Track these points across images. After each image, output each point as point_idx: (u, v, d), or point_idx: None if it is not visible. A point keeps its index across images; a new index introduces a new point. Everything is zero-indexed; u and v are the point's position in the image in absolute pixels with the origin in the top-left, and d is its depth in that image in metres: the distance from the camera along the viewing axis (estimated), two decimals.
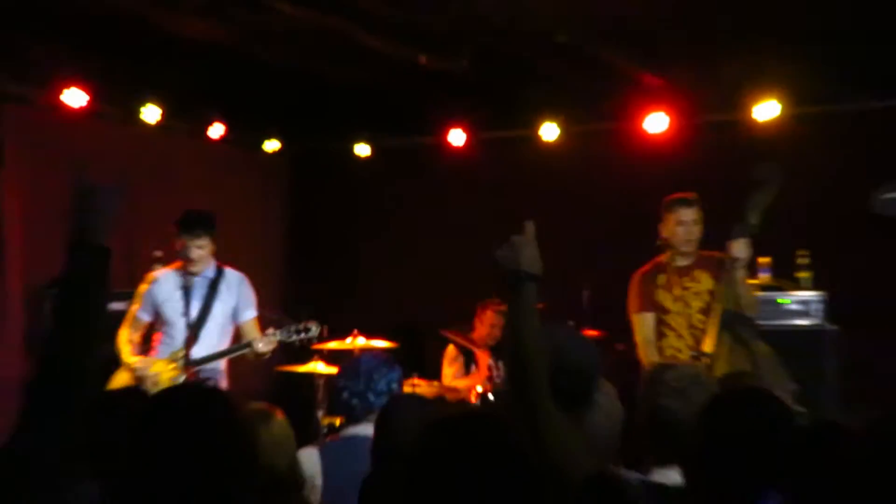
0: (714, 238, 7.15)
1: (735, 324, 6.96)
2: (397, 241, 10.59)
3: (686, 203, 7.31)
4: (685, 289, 7.25)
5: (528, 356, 3.19)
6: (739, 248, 6.95)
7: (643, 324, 7.34)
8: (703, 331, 7.03)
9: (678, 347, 7.20)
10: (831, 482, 3.10)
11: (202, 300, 7.40)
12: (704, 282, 7.15)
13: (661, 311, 7.32)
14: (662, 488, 3.63)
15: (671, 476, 3.67)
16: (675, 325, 7.27)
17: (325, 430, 8.19)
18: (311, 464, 4.75)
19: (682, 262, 7.34)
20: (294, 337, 7.56)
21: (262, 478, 3.71)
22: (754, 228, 6.94)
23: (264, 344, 7.39)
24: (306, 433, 7.59)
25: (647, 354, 7.22)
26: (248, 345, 7.41)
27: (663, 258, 7.40)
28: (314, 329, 7.61)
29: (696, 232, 7.25)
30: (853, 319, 8.39)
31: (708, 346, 6.85)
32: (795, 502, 3.17)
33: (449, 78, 8.91)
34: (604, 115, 9.78)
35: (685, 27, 8.08)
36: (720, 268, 7.10)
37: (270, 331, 7.46)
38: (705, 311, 7.09)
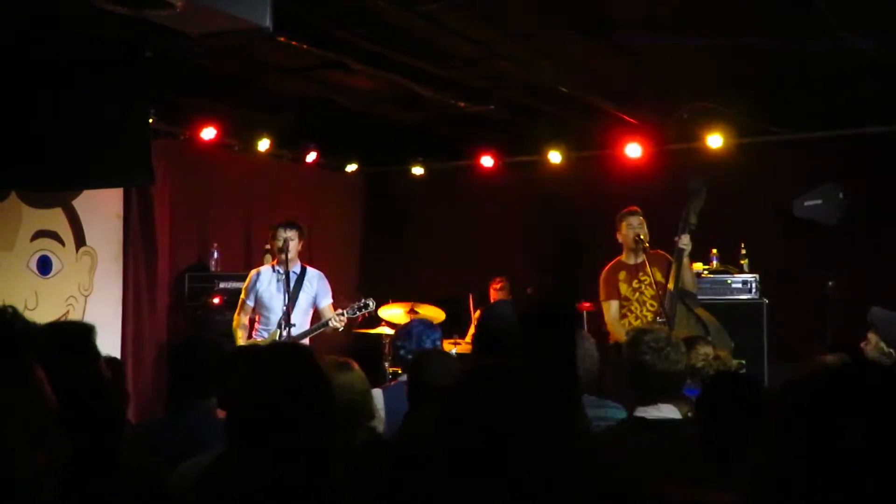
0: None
1: (684, 297, 6.99)
2: (443, 237, 10.57)
3: (633, 213, 7.28)
4: (640, 281, 7.19)
5: None
6: (684, 241, 6.99)
7: (610, 309, 7.27)
8: (655, 312, 7.02)
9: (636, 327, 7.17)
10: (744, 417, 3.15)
11: (291, 291, 7.28)
12: (651, 275, 7.07)
13: (622, 299, 7.28)
14: (656, 421, 3.65)
15: (652, 412, 3.70)
16: (634, 310, 7.21)
17: (390, 376, 8.19)
18: (377, 400, 4.80)
19: (634, 259, 7.26)
20: (357, 313, 7.45)
21: (340, 410, 3.77)
22: (693, 226, 6.99)
23: (337, 321, 7.32)
24: (376, 378, 7.66)
25: (615, 331, 7.14)
26: (326, 323, 7.36)
27: (621, 257, 7.36)
28: (371, 304, 7.48)
29: (642, 234, 7.21)
30: (778, 294, 8.40)
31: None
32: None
33: (481, 118, 8.94)
34: (594, 145, 9.72)
35: (653, 83, 8.11)
36: (665, 262, 7.12)
37: (339, 311, 7.37)
38: (655, 298, 7.06)
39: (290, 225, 7.41)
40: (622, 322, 7.20)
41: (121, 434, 2.65)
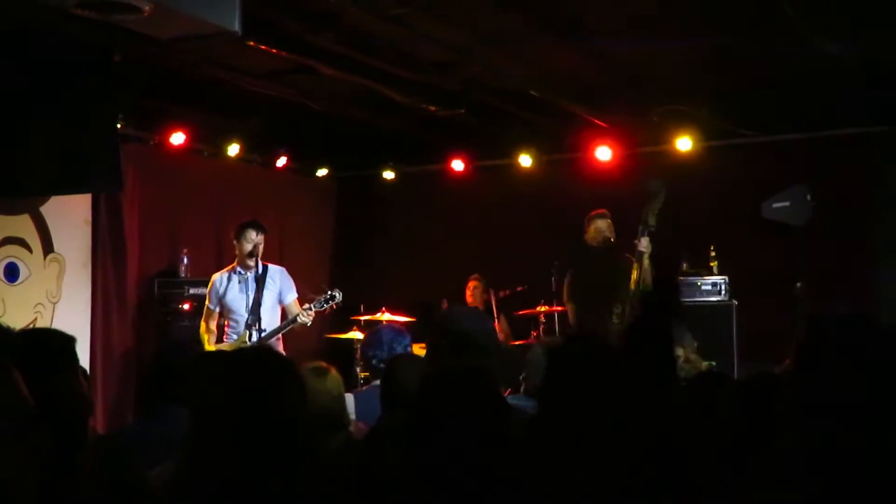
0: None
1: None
2: (414, 241, 10.55)
3: (601, 216, 7.31)
4: None
5: None
6: (643, 244, 7.04)
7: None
8: (621, 314, 7.05)
9: None
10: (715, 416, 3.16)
11: (255, 291, 7.21)
12: None
13: None
14: None
15: None
16: None
17: (362, 381, 8.09)
18: (349, 405, 4.79)
19: None
20: (325, 305, 7.31)
21: (310, 414, 3.75)
22: (652, 227, 7.04)
23: (305, 316, 7.23)
24: (348, 384, 7.61)
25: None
26: (295, 320, 7.25)
27: None
28: (338, 295, 7.34)
29: (610, 237, 7.24)
30: (748, 296, 8.46)
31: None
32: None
33: (451, 122, 8.94)
34: (565, 148, 9.74)
35: (623, 85, 8.15)
36: (632, 265, 7.15)
37: (307, 305, 7.27)
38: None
39: (259, 227, 7.35)
40: None
41: (84, 444, 2.63)
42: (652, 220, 7.08)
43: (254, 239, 7.26)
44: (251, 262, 7.25)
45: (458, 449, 2.34)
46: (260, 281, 7.27)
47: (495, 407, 2.48)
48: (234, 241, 7.43)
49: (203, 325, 7.47)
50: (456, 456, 2.33)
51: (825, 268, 8.53)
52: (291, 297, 7.48)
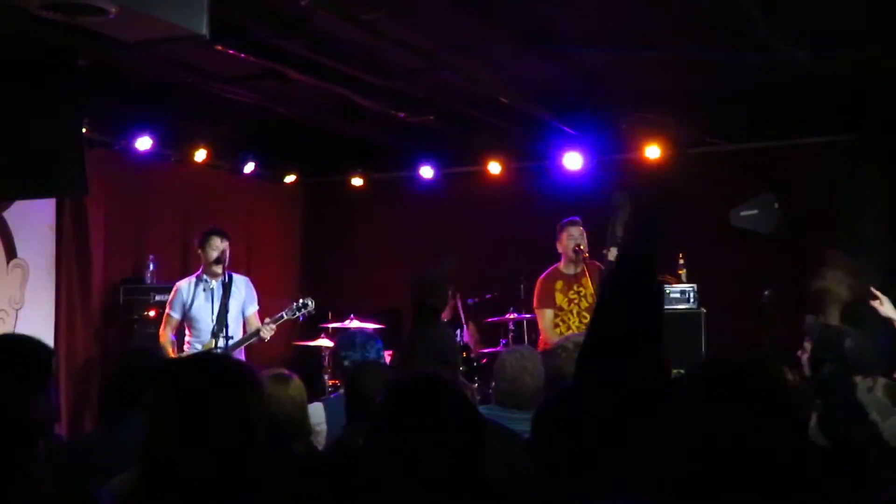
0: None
1: None
2: (383, 248, 10.53)
3: (573, 224, 7.34)
4: (576, 292, 7.27)
5: None
6: (613, 254, 7.10)
7: (544, 317, 7.34)
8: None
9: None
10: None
11: (220, 300, 7.18)
12: (589, 286, 7.16)
13: (557, 308, 7.33)
14: None
15: None
16: (567, 320, 7.29)
17: (330, 389, 8.05)
18: (318, 414, 4.73)
19: (572, 269, 7.32)
20: (297, 313, 7.32)
21: (278, 422, 3.69)
22: (619, 238, 7.09)
23: (267, 332, 7.21)
24: (315, 392, 7.58)
25: (549, 339, 7.18)
26: (257, 333, 7.23)
27: (559, 265, 7.42)
28: (310, 304, 7.35)
29: (582, 245, 7.27)
30: (716, 304, 8.47)
31: None
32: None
33: (421, 129, 8.93)
34: (533, 156, 9.74)
35: (592, 93, 8.16)
36: (601, 273, 7.19)
37: (268, 319, 7.25)
38: (590, 310, 7.15)
39: (223, 234, 7.33)
40: (556, 331, 7.24)
41: (34, 450, 2.57)
42: (620, 231, 7.13)
43: (219, 246, 7.22)
44: (218, 269, 7.20)
45: (423, 459, 2.29)
46: (226, 289, 7.22)
47: (464, 415, 2.39)
48: (199, 251, 7.38)
49: (162, 333, 7.40)
50: (421, 467, 2.29)
51: (793, 275, 8.56)
52: (252, 309, 7.45)
